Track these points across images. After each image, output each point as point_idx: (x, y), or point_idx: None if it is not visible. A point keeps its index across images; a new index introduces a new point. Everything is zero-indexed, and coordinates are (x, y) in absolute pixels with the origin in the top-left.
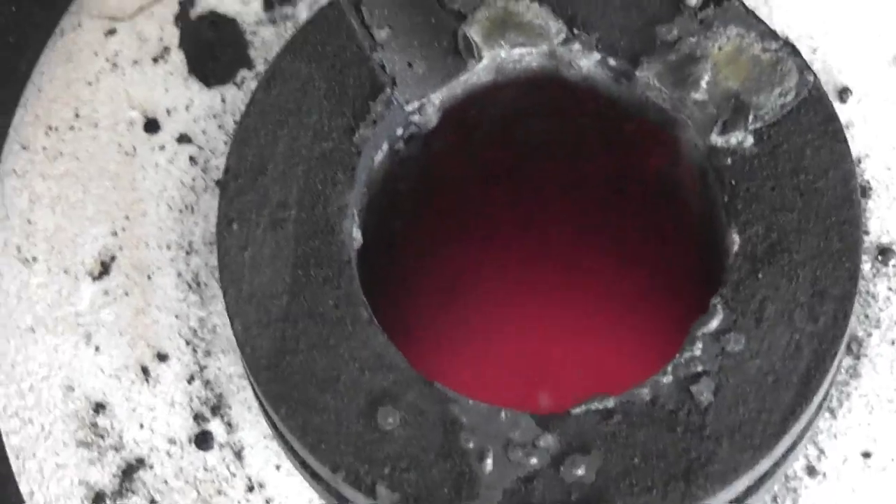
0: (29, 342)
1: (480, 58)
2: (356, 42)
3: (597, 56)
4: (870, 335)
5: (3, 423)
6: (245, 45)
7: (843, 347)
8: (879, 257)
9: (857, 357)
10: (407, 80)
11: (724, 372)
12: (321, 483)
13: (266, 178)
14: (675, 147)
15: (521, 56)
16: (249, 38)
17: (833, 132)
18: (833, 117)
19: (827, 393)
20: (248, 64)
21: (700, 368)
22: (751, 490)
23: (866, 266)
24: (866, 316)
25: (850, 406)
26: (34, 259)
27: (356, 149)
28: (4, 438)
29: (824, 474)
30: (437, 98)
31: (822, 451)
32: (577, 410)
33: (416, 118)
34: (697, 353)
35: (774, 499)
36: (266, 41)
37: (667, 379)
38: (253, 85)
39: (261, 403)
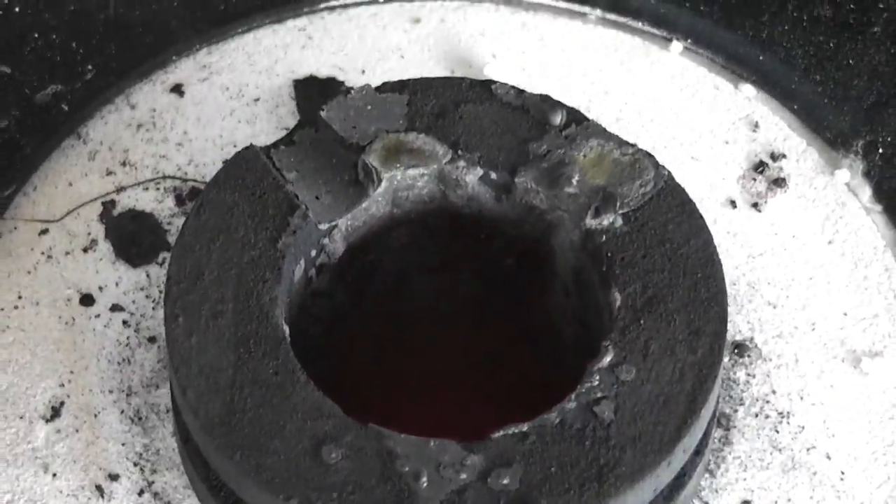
0: None
1: (379, 181)
2: (271, 174)
3: (479, 171)
4: (736, 411)
5: None
6: (163, 232)
7: (720, 374)
8: (736, 351)
9: (728, 429)
10: (317, 209)
11: (621, 396)
12: None
13: (204, 281)
14: (551, 264)
15: (414, 179)
16: (166, 227)
17: (690, 211)
18: (689, 201)
19: (703, 453)
20: (167, 247)
21: (600, 395)
22: None
23: (726, 358)
24: (731, 396)
25: (726, 467)
26: None
27: (280, 253)
28: None
29: None
30: (344, 224)
31: None
32: (496, 435)
33: (326, 241)
34: (595, 383)
35: None
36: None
37: (571, 405)
38: None
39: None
